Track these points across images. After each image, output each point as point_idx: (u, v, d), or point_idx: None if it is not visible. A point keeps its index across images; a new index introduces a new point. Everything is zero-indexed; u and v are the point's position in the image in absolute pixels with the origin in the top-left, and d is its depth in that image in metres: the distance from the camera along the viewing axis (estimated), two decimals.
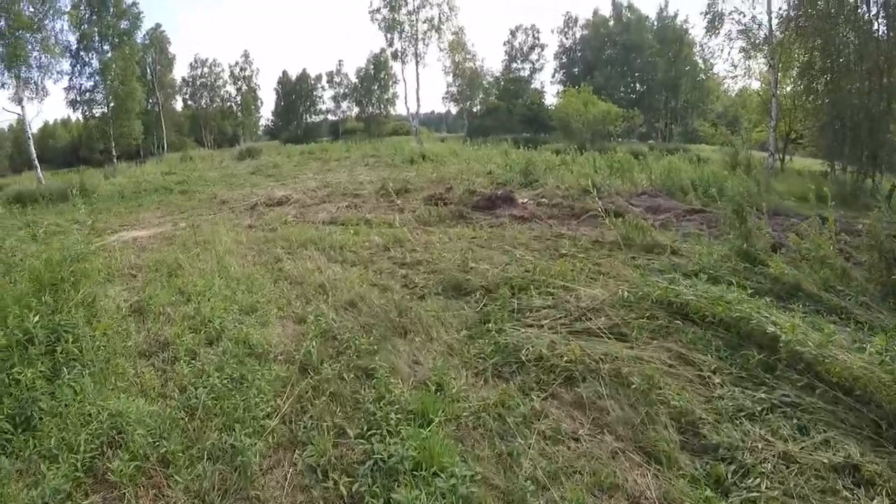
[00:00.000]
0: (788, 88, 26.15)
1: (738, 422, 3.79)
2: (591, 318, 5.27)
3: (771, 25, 24.01)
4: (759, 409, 3.91)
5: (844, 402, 3.94)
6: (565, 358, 4.53)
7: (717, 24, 26.03)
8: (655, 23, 61.57)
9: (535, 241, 8.99)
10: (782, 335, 4.42)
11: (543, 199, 12.79)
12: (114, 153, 39.44)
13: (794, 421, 3.79)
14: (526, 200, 12.68)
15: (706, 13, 26.15)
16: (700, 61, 60.17)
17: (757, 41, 24.91)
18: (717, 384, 4.23)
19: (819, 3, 21.01)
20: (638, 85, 61.12)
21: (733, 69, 29.06)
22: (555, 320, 5.32)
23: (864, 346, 4.43)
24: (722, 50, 27.55)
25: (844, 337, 4.54)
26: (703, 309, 5.15)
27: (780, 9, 23.93)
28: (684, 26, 59.79)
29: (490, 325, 5.32)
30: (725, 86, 57.78)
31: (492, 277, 6.50)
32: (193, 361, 4.90)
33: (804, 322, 4.72)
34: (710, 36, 26.71)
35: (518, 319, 5.41)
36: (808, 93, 22.30)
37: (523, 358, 4.63)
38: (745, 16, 25.01)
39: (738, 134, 28.92)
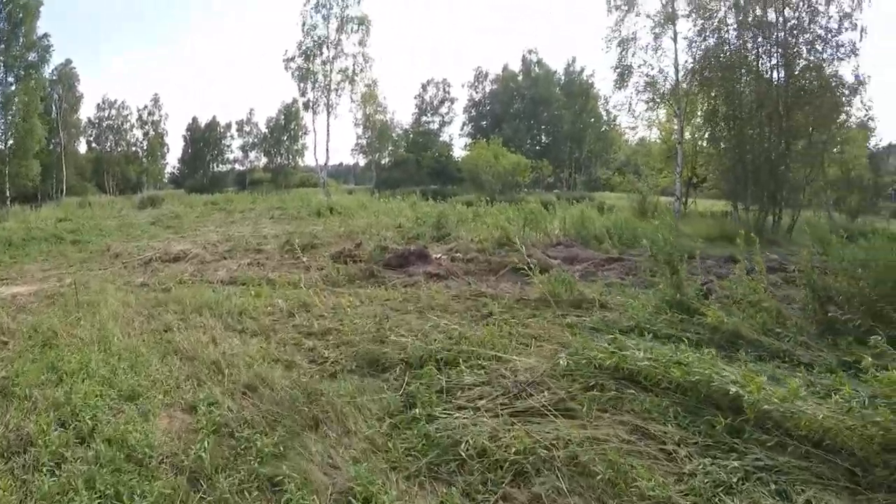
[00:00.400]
0: (688, 136, 27.97)
1: (717, 500, 3.34)
2: (531, 395, 4.62)
3: (677, 77, 25.48)
4: (734, 479, 3.51)
5: (817, 456, 3.72)
6: (513, 448, 3.81)
7: (626, 77, 27.23)
8: (563, 77, 63.88)
9: (455, 301, 8.34)
10: (746, 395, 4.03)
11: (458, 254, 12.28)
12: (7, 195, 36.67)
13: (772, 486, 3.47)
14: (440, 256, 12.14)
15: (616, 67, 27.50)
16: (604, 113, 62.85)
17: (664, 92, 26.31)
18: (684, 458, 3.75)
19: (721, 56, 22.19)
20: (544, 137, 62.75)
21: (634, 121, 30.72)
22: (491, 400, 4.61)
23: (819, 390, 4.36)
24: (629, 102, 28.08)
25: (799, 384, 4.17)
26: (657, 374, 4.66)
27: (685, 61, 25.18)
28: (590, 80, 62.58)
29: (417, 410, 4.51)
30: (627, 136, 60.79)
31: (412, 350, 5.72)
32: (59, 470, 3.94)
33: (750, 371, 4.46)
34: (618, 89, 27.87)
35: (449, 401, 4.67)
36: (712, 139, 23.46)
37: (463, 453, 3.85)
38: (652, 68, 26.55)
39: (643, 180, 29.66)
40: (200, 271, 11.83)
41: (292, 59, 45.16)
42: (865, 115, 22.15)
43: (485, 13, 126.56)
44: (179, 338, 6.75)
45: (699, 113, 25.04)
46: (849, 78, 20.85)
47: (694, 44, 23.52)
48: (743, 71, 22.05)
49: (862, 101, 21.38)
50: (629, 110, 28.50)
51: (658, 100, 26.95)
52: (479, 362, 5.42)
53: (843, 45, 20.65)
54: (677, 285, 7.40)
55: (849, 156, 25.32)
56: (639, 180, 29.70)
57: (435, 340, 6.03)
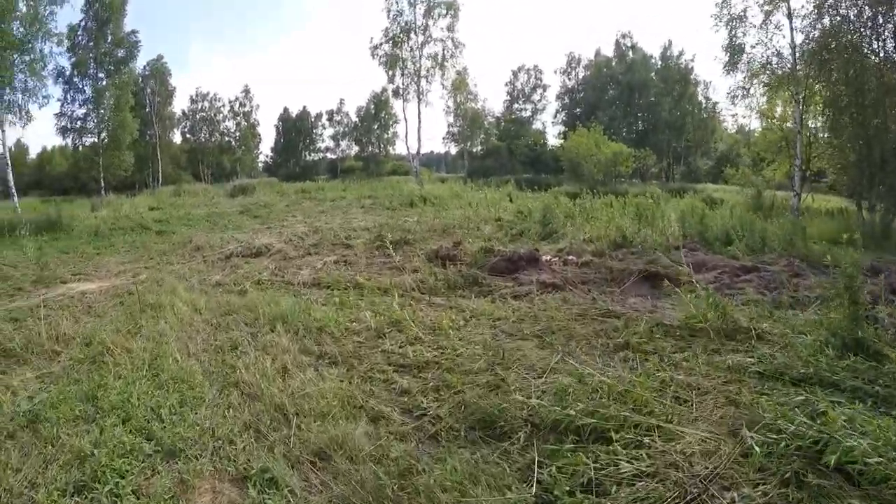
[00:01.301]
0: (809, 124, 25.51)
1: None
2: (715, 496, 3.17)
3: (794, 59, 23.07)
4: None
5: None
6: None
7: (736, 59, 24.86)
8: (659, 62, 61.07)
9: (579, 322, 6.85)
10: None
11: (571, 257, 10.68)
12: (102, 184, 37.83)
13: None
14: (551, 258, 10.63)
15: (726, 48, 25.04)
16: (703, 100, 59.66)
17: (780, 75, 23.77)
18: None
19: (842, 36, 20.18)
20: (641, 125, 59.89)
21: (740, 108, 27.76)
22: None
23: None
24: (743, 87, 25.61)
25: None
26: (884, 472, 3.09)
27: (801, 41, 22.72)
28: (689, 65, 59.84)
29: None
30: (727, 124, 58.02)
31: (539, 408, 4.18)
32: None
33: None
34: (728, 73, 25.52)
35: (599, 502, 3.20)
36: (832, 129, 21.26)
37: None
38: (767, 48, 24.05)
39: (757, 173, 27.28)
40: (282, 269, 10.74)
41: (379, 45, 44.06)
42: None
43: None
44: (244, 363, 5.52)
45: (817, 99, 22.83)
46: None
47: (810, 22, 21.66)
48: (867, 52, 19.65)
49: None
50: (743, 95, 26.15)
51: (775, 84, 24.32)
52: (636, 435, 3.85)
53: None
54: (856, 319, 5.64)
55: None
56: (753, 173, 27.31)
57: (569, 395, 4.45)
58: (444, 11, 42.97)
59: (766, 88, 25.44)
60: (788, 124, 26.94)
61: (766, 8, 23.63)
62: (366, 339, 6.32)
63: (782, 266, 11.72)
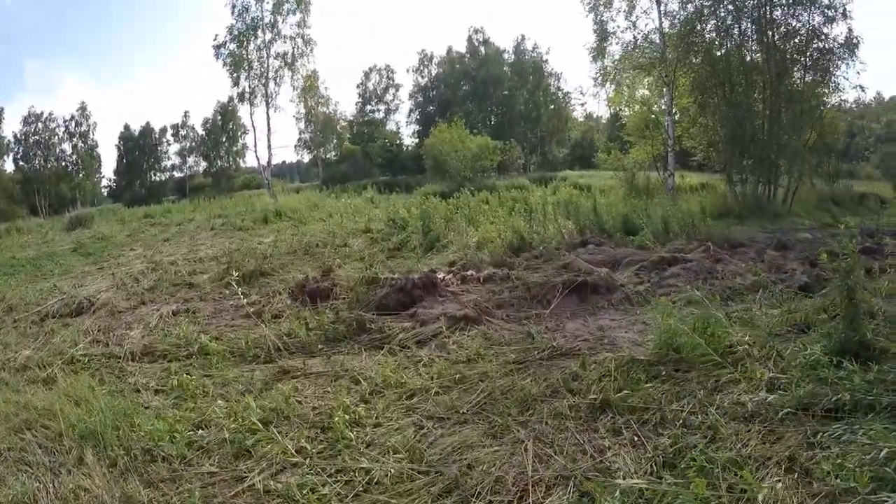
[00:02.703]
0: (665, 106, 26.23)
1: None
2: None
3: (663, 43, 23.62)
4: None
5: None
6: None
7: (603, 43, 25.47)
8: (512, 55, 61.27)
9: (521, 371, 5.06)
10: None
11: (470, 272, 8.73)
12: None
13: None
14: (445, 275, 8.65)
15: (596, 30, 25.50)
16: (554, 89, 60.62)
17: (652, 57, 24.22)
18: None
19: (706, 20, 21.77)
20: (495, 119, 59.63)
21: (617, 91, 28.16)
22: None
23: None
24: (617, 69, 26.05)
25: None
26: None
27: (668, 27, 23.83)
28: (543, 57, 60.98)
29: None
30: (576, 112, 60.06)
31: None
32: None
33: None
34: (595, 60, 26.36)
35: None
36: (701, 108, 21.93)
37: None
38: (635, 28, 24.64)
39: (627, 157, 27.32)
40: (107, 332, 7.87)
41: (223, 44, 39.91)
42: (858, 77, 21.21)
43: None
44: None
45: (683, 81, 23.51)
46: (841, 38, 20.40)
47: (678, 6, 22.93)
48: (729, 35, 21.47)
49: (854, 63, 20.63)
50: (612, 79, 27.28)
51: (648, 66, 24.72)
52: None
53: (833, 7, 20.15)
54: (855, 318, 4.69)
55: (826, 118, 23.20)
56: (625, 157, 27.22)
57: None
58: (293, 6, 39.58)
59: (636, 71, 25.80)
60: (655, 107, 27.58)
61: None
62: (220, 465, 3.90)
63: (700, 253, 10.59)
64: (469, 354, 5.46)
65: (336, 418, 4.22)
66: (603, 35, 25.34)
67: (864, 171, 37.56)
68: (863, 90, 23.55)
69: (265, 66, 39.67)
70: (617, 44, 25.40)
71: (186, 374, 5.57)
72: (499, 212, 15.97)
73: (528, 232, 11.62)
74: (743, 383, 4.36)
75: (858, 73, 21.71)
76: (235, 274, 8.82)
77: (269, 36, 39.65)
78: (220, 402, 4.80)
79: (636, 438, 3.83)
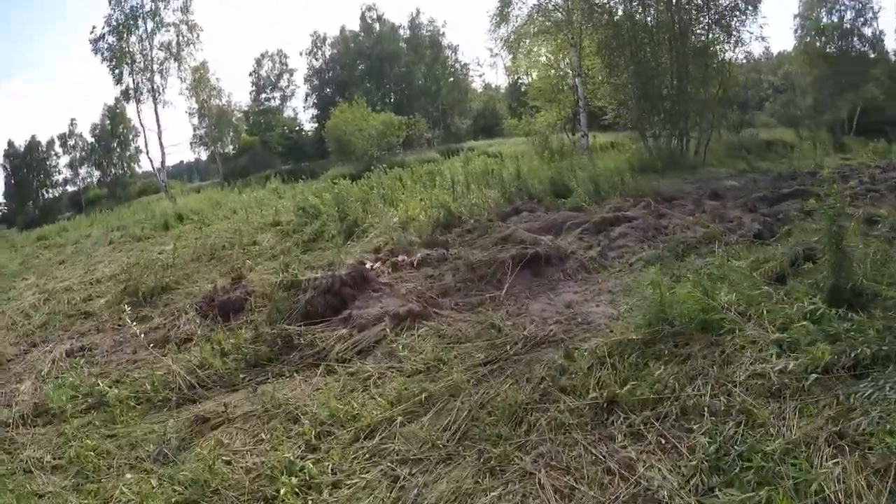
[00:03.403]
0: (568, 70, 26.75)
1: None
2: None
3: (568, 6, 23.29)
4: None
5: None
6: None
7: (507, 8, 24.80)
8: (408, 31, 60.03)
9: (494, 373, 4.15)
10: None
11: (401, 257, 7.60)
12: None
13: None
14: (374, 265, 7.52)
15: None
16: (453, 63, 59.92)
17: (558, 21, 23.98)
18: None
19: None
20: (395, 96, 58.33)
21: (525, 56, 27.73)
22: None
23: None
24: (519, 37, 25.63)
25: None
26: None
27: None
28: (440, 31, 60.18)
29: None
30: (475, 83, 59.98)
31: None
32: None
33: None
34: (498, 26, 25.59)
35: None
36: (610, 68, 22.14)
37: None
38: None
39: (536, 121, 27.03)
40: None
41: (101, 38, 35.96)
42: (760, 30, 23.03)
43: None
44: None
45: (587, 43, 23.56)
46: None
47: None
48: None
49: (757, 17, 21.64)
50: (516, 47, 26.71)
51: (554, 31, 24.40)
52: None
53: None
54: (842, 265, 4.41)
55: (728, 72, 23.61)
56: (534, 121, 26.77)
57: None
58: None
59: (542, 35, 25.45)
60: (562, 70, 27.34)
61: None
62: None
63: (641, 209, 10.12)
64: (426, 361, 4.43)
65: (281, 487, 3.09)
66: (506, 1, 24.60)
67: (761, 120, 38.77)
68: (765, 41, 24.21)
69: (149, 58, 36.38)
70: (520, 9, 24.84)
71: (86, 437, 4.25)
72: (416, 187, 14.96)
73: (455, 205, 10.65)
74: (749, 349, 3.80)
75: (761, 26, 23.73)
76: (133, 296, 7.49)
77: (150, 25, 36.23)
78: (128, 475, 3.57)
79: (663, 441, 3.13)
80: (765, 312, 4.27)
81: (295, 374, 4.66)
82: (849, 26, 37.02)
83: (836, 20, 37.06)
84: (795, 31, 38.64)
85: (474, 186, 13.20)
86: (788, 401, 3.22)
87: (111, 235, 19.02)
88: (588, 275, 6.59)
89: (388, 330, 4.85)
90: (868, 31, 37.51)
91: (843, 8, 36.96)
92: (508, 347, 4.46)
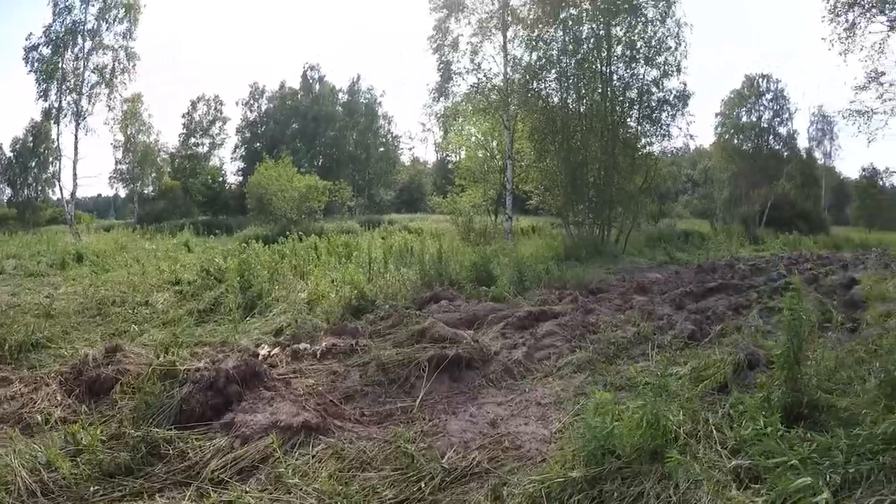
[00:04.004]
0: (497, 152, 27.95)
1: None
2: None
3: (507, 88, 24.13)
4: None
5: None
6: None
7: (447, 84, 25.41)
8: (346, 95, 60.29)
9: None
10: None
11: (303, 345, 6.64)
12: None
13: None
14: (270, 351, 6.46)
15: (440, 69, 25.26)
16: (385, 130, 60.17)
17: (495, 101, 24.64)
18: None
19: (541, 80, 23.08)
20: (323, 159, 57.69)
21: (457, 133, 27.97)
22: None
23: None
24: (455, 112, 25.89)
25: None
26: None
27: (510, 73, 24.64)
28: (378, 99, 61.06)
29: None
30: (404, 156, 60.50)
31: None
32: None
33: None
34: (436, 100, 26.11)
35: None
36: (539, 153, 22.97)
37: None
38: (480, 70, 24.86)
39: (460, 201, 26.87)
40: None
41: (35, 47, 33.88)
42: (688, 127, 24.01)
43: (263, 22, 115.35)
44: None
45: (520, 126, 24.52)
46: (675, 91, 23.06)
47: (521, 57, 24.12)
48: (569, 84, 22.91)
49: (685, 114, 23.30)
50: (452, 122, 27.75)
51: (492, 110, 25.12)
52: None
53: (668, 64, 22.66)
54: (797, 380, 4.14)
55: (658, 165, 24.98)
56: (458, 200, 26.75)
57: None
58: (121, 13, 34.15)
59: (477, 114, 26.29)
60: (495, 150, 28.17)
61: (473, 40, 24.58)
62: None
63: (568, 304, 9.85)
64: (320, 493, 3.56)
65: None
66: (447, 75, 25.08)
67: (675, 211, 40.23)
68: (692, 139, 25.53)
69: (80, 79, 34.11)
70: (459, 86, 25.47)
71: None
72: (331, 260, 14.14)
73: (370, 287, 9.91)
74: (705, 484, 3.24)
75: (688, 123, 24.63)
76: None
77: (88, 44, 34.19)
78: None
79: None
80: (714, 433, 3.86)
81: (157, 496, 3.68)
82: (766, 125, 39.41)
83: (754, 119, 39.34)
84: (716, 128, 40.95)
85: (392, 267, 12.52)
86: None
87: (3, 264, 17.00)
88: (513, 381, 5.95)
89: (275, 446, 3.91)
90: (783, 131, 40.10)
91: (761, 108, 39.41)
92: (423, 484, 3.65)
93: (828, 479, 3.08)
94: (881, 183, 53.11)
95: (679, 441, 3.72)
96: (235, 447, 4.05)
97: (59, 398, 5.29)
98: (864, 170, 53.77)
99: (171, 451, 4.05)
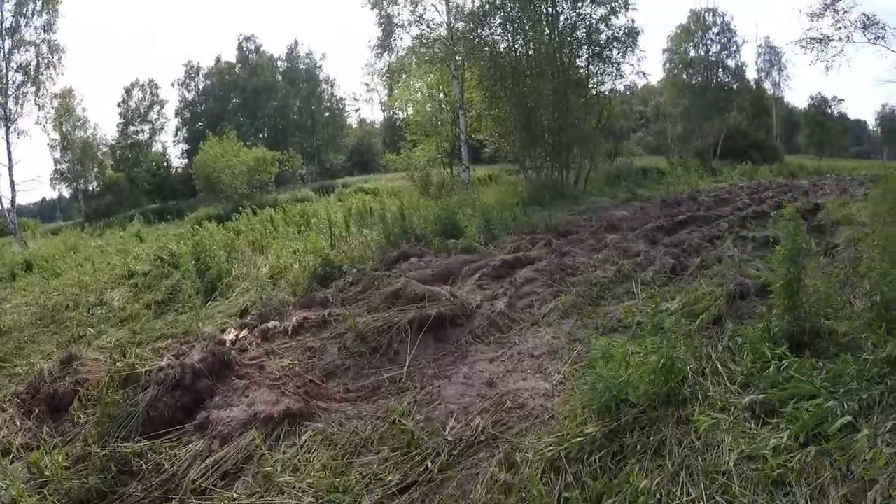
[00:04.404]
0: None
1: None
2: None
3: (452, 37, 23.53)
4: None
5: None
6: None
7: (389, 38, 25.04)
8: (286, 63, 58.58)
9: None
10: None
11: (272, 324, 6.15)
12: None
13: None
14: (239, 335, 5.98)
15: (381, 24, 24.76)
16: (330, 96, 58.76)
17: (440, 52, 24.12)
18: None
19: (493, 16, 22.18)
20: (268, 131, 56.28)
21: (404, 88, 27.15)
22: None
23: None
24: (400, 67, 24.99)
25: None
26: None
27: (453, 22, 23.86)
28: (318, 63, 59.40)
29: None
30: (350, 118, 59.40)
31: None
32: None
33: None
34: (381, 54, 25.79)
35: None
36: (491, 100, 22.28)
37: None
38: (423, 24, 24.23)
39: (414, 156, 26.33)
40: None
41: None
42: (639, 63, 25.62)
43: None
44: None
45: (468, 76, 23.95)
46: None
47: (463, 4, 23.59)
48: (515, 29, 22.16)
49: (635, 51, 23.06)
50: (397, 77, 27.36)
51: (438, 60, 24.59)
52: None
53: (616, 1, 22.19)
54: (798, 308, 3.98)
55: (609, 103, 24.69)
56: (412, 155, 26.11)
57: None
58: (38, 6, 31.64)
59: (423, 66, 25.62)
60: (442, 103, 27.79)
61: None
62: None
63: (542, 248, 9.51)
64: (317, 489, 3.19)
65: None
66: (388, 29, 24.56)
67: (628, 149, 40.38)
68: (645, 76, 24.99)
69: (4, 80, 31.80)
70: (402, 39, 25.05)
71: None
72: (289, 231, 13.61)
73: (334, 253, 9.45)
74: (723, 422, 3.15)
75: (640, 59, 25.59)
76: None
77: (8, 44, 31.84)
78: None
79: None
80: (719, 368, 3.74)
81: None
82: (714, 59, 39.27)
83: (702, 54, 39.21)
84: (664, 64, 40.68)
85: (354, 229, 12.06)
86: (796, 488, 2.60)
87: None
88: (501, 334, 5.64)
89: (258, 441, 3.51)
90: (732, 63, 40.04)
91: (709, 42, 39.24)
92: (429, 463, 3.32)
93: (845, 406, 2.96)
94: (829, 111, 54.37)
95: (688, 381, 3.57)
96: (214, 449, 3.64)
97: (17, 423, 4.77)
98: (812, 98, 55.07)
99: (144, 466, 3.63)
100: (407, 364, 4.90)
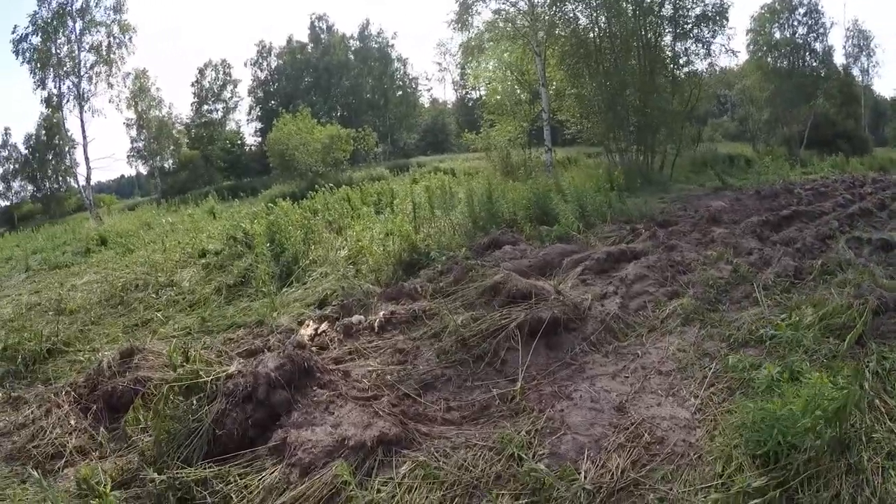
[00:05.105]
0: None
1: None
2: None
3: (533, 15, 22.09)
4: None
5: None
6: None
7: (466, 14, 23.41)
8: (358, 42, 58.33)
9: None
10: None
11: (357, 318, 5.50)
12: None
13: None
14: (318, 329, 5.36)
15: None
16: (403, 75, 58.44)
17: (521, 28, 22.60)
18: None
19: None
20: (341, 109, 56.18)
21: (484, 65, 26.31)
22: None
23: None
24: (479, 43, 23.92)
25: None
26: None
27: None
28: (390, 42, 58.79)
29: None
30: (423, 98, 58.77)
31: None
32: None
33: None
34: (458, 29, 24.11)
35: None
36: (574, 77, 21.28)
37: None
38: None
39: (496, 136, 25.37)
40: None
41: (25, 38, 32.13)
42: (729, 42, 23.10)
43: None
44: None
45: (550, 53, 22.34)
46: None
47: None
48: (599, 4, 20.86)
49: (725, 28, 21.53)
50: (475, 54, 26.02)
51: (519, 37, 22.87)
52: None
53: None
54: None
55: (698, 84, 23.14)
56: (492, 135, 25.17)
57: None
58: None
59: (504, 43, 24.00)
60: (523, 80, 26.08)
61: None
62: None
63: (646, 241, 8.74)
64: None
65: None
66: (466, 4, 23.11)
67: (706, 134, 38.61)
68: (735, 55, 23.44)
69: (77, 61, 32.57)
70: (479, 13, 24.00)
71: None
72: (368, 211, 13.07)
73: (419, 238, 8.77)
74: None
75: (729, 37, 22.83)
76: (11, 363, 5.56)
77: (79, 25, 32.53)
78: None
79: None
80: (876, 402, 3.23)
81: None
82: (801, 41, 36.85)
83: (788, 35, 36.87)
84: (748, 45, 38.44)
85: (438, 212, 11.36)
86: None
87: (31, 260, 16.11)
88: (618, 343, 4.88)
89: (345, 476, 2.84)
90: (819, 47, 37.48)
91: (795, 24, 36.86)
92: None
93: None
94: None
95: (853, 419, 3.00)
96: (293, 481, 2.95)
97: (72, 422, 4.23)
98: None
99: (207, 499, 2.95)
100: (521, 378, 4.14)
